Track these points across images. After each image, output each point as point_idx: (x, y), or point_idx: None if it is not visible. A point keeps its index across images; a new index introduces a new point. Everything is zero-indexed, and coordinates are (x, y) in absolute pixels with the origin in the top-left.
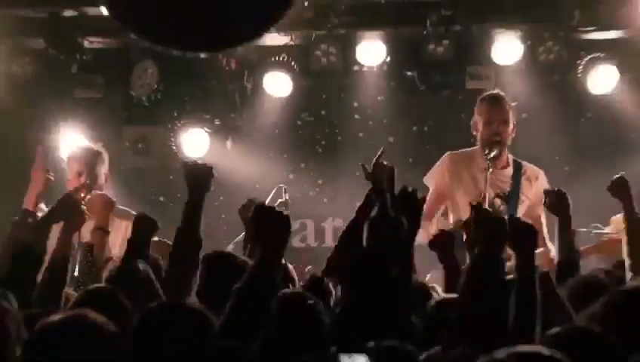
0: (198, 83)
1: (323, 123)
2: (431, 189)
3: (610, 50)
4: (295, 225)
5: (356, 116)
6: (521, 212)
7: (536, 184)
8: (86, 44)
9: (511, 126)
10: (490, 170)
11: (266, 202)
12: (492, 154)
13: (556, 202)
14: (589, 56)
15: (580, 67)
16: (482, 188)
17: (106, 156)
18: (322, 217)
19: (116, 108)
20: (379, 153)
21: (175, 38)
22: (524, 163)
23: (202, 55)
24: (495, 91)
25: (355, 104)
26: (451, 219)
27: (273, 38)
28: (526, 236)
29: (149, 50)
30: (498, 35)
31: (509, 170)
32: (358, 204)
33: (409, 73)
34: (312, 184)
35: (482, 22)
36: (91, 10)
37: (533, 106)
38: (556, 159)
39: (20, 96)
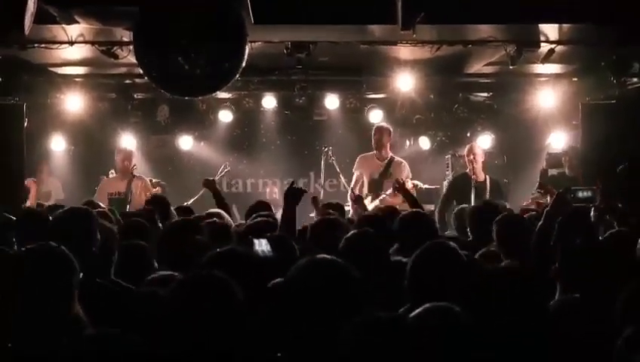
0: (188, 113)
1: (246, 135)
2: (355, 175)
3: (379, 103)
4: (232, 181)
5: (262, 132)
6: (387, 182)
7: (398, 167)
8: (135, 95)
9: (387, 137)
10: (382, 164)
11: (219, 170)
12: (385, 162)
13: (400, 189)
14: (369, 105)
15: (365, 110)
16: (374, 174)
17: (134, 153)
18: (245, 177)
19: (147, 126)
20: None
21: (178, 91)
22: (395, 158)
23: (190, 98)
24: (382, 124)
25: (261, 126)
26: (361, 190)
27: (223, 94)
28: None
29: (165, 97)
30: (327, 95)
31: (385, 162)
32: (262, 171)
33: (286, 112)
34: (240, 162)
35: (320, 90)
36: (138, 80)
37: (346, 130)
38: (355, 152)
39: (102, 120)
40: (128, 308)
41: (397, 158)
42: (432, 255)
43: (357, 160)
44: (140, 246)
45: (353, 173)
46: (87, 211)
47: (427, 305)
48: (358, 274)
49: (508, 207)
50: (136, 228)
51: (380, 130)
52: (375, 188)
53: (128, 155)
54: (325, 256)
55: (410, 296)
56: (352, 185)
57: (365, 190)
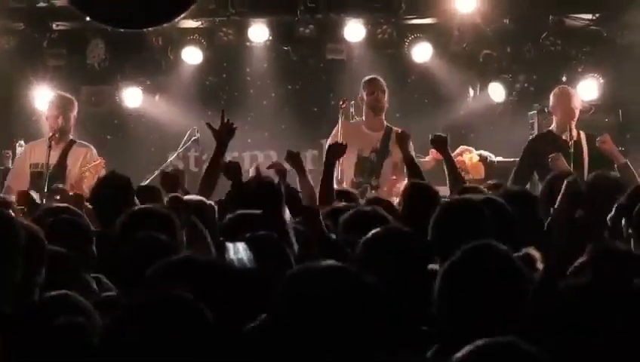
0: (135, 54)
1: (224, 83)
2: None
3: (426, 32)
4: (204, 156)
5: (248, 78)
6: (387, 163)
7: (404, 140)
8: (53, 26)
9: (386, 97)
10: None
11: (184, 139)
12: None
13: (438, 142)
14: (411, 36)
15: (406, 44)
16: (364, 151)
17: (76, 103)
18: None
19: (76, 72)
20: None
21: (117, 19)
22: (394, 128)
23: (137, 31)
24: (374, 77)
25: (247, 70)
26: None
27: (188, 23)
28: None
29: (99, 30)
30: (348, 21)
31: (381, 133)
32: (250, 140)
33: (285, 48)
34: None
35: (337, 12)
36: (58, 3)
37: (374, 72)
38: (389, 108)
39: (5, 65)
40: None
41: (395, 128)
42: (472, 264)
43: (335, 129)
44: (63, 256)
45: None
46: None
47: (479, 343)
48: (381, 288)
49: None
50: (68, 226)
51: (375, 83)
52: (368, 172)
53: (67, 104)
54: (332, 262)
55: (442, 325)
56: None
57: (349, 174)
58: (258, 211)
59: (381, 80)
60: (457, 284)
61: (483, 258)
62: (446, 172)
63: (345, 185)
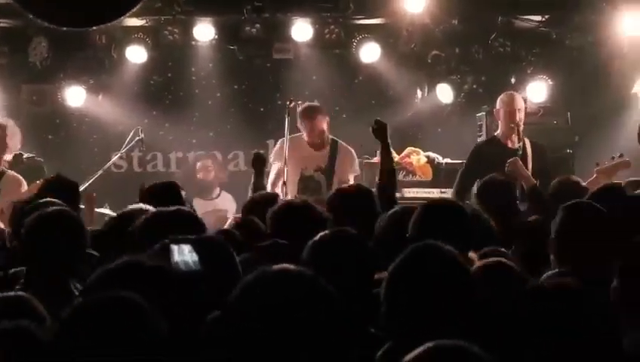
0: (78, 52)
1: (169, 82)
2: (276, 167)
3: (374, 32)
4: (148, 156)
5: (193, 78)
6: (335, 179)
7: (347, 159)
8: None
9: (326, 128)
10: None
11: (128, 139)
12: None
13: (378, 130)
14: (359, 36)
15: (354, 44)
16: (307, 166)
17: (12, 127)
18: (168, 150)
19: (18, 71)
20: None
21: (60, 17)
22: (339, 143)
23: (80, 29)
24: (314, 104)
25: (193, 69)
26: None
27: (133, 21)
28: None
29: (41, 27)
30: (295, 20)
31: (327, 150)
32: (194, 141)
33: (231, 47)
34: (161, 126)
35: (284, 11)
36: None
37: (321, 72)
38: (336, 109)
39: None
40: None
41: (341, 143)
42: (419, 265)
43: (278, 144)
44: None
45: (271, 164)
46: None
47: (429, 345)
48: (335, 293)
49: None
50: None
51: (319, 120)
52: (311, 190)
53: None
54: (288, 266)
55: (389, 329)
56: (270, 182)
57: (291, 190)
58: None
59: (324, 113)
60: (402, 284)
61: (427, 258)
62: (380, 156)
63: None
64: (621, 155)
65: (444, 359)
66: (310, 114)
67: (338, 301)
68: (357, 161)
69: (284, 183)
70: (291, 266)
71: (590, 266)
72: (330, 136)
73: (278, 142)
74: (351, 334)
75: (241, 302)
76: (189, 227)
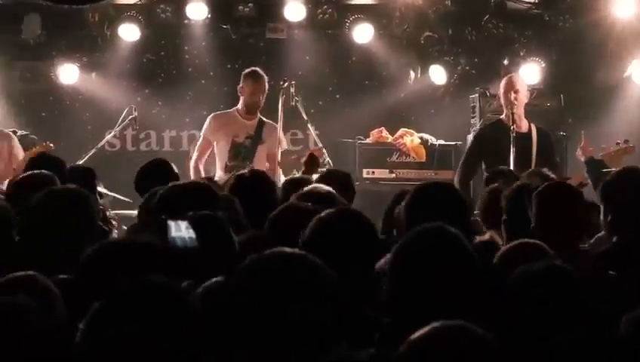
0: (71, 30)
1: (162, 61)
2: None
3: (367, 12)
4: (141, 134)
5: (186, 56)
6: (260, 149)
7: (274, 133)
8: None
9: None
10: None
11: (121, 117)
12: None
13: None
14: (352, 17)
15: (347, 24)
16: (239, 137)
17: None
18: (162, 129)
19: (11, 48)
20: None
21: None
22: (266, 121)
23: (74, 7)
24: (256, 68)
25: (186, 48)
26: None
27: None
28: None
29: (35, 4)
30: (288, 0)
31: (255, 121)
32: (188, 120)
33: (224, 26)
34: (154, 105)
35: None
36: None
37: (314, 52)
38: (330, 89)
39: None
40: None
41: (267, 120)
42: (423, 246)
43: (209, 119)
44: None
45: (199, 137)
46: None
47: (434, 325)
48: (334, 275)
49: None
50: None
51: (260, 84)
52: (242, 156)
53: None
54: (286, 249)
55: (391, 309)
56: (194, 155)
57: (222, 158)
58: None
59: (265, 79)
60: (406, 266)
61: (432, 240)
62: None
63: (219, 170)
64: (626, 141)
65: (449, 339)
66: (257, 76)
67: (338, 285)
68: (283, 135)
69: (279, 163)
70: (291, 249)
71: None
72: (259, 114)
73: (210, 118)
74: (346, 316)
75: (240, 279)
76: (205, 201)
